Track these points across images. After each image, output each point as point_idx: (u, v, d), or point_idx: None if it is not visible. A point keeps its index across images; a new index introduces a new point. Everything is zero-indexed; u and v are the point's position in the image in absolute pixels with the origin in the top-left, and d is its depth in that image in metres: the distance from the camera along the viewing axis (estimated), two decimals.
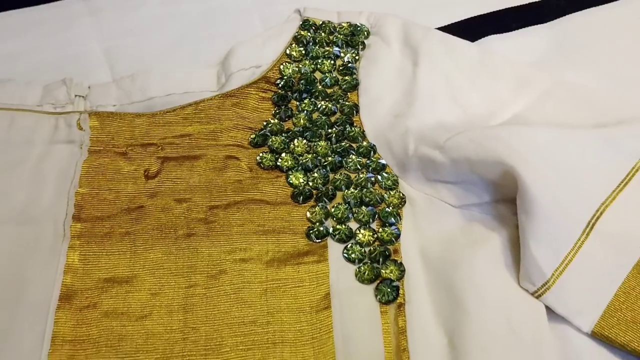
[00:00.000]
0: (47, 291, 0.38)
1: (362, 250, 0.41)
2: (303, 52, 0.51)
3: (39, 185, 0.42)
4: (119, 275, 0.39)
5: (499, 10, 0.57)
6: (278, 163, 0.45)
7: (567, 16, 0.56)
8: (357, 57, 0.51)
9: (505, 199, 0.43)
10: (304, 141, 0.46)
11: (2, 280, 0.38)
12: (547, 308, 0.39)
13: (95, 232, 0.41)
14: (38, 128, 0.45)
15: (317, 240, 0.42)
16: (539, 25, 0.56)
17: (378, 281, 0.40)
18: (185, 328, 0.38)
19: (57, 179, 0.43)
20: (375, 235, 0.42)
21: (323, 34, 0.51)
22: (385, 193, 0.44)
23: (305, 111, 0.48)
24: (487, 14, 0.57)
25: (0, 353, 0.36)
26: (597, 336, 0.39)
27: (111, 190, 0.43)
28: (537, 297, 0.39)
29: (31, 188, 0.42)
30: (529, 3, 0.58)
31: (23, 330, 0.37)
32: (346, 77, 0.49)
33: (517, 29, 0.56)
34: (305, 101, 0.48)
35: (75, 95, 0.47)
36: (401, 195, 0.44)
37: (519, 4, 0.58)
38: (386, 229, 0.42)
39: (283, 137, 0.46)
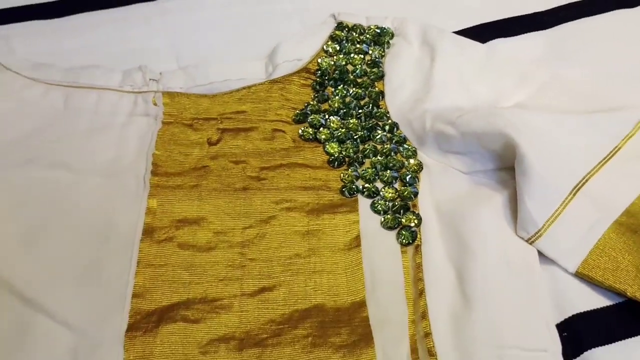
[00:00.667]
0: (132, 228, 0.47)
1: (386, 204, 0.50)
2: (337, 48, 0.60)
3: (123, 147, 0.52)
4: (189, 217, 0.48)
5: (505, 19, 0.66)
6: (317, 136, 0.54)
7: (562, 24, 0.66)
8: (382, 54, 0.60)
9: (505, 167, 0.52)
10: (338, 119, 0.55)
11: (96, 219, 0.48)
12: (539, 253, 0.48)
13: (170, 184, 0.50)
14: (120, 103, 0.55)
15: (349, 196, 0.51)
16: (538, 31, 0.65)
17: (399, 228, 0.49)
18: (243, 259, 0.47)
19: (137, 142, 0.52)
20: (397, 193, 0.51)
21: (354, 34, 0.61)
22: (406, 161, 0.53)
23: (339, 95, 0.57)
24: (494, 21, 0.66)
25: (96, 274, 0.45)
26: (580, 275, 0.47)
27: (181, 153, 0.52)
28: (530, 243, 0.48)
29: (116, 149, 0.52)
30: (532, 13, 0.67)
31: (114, 256, 0.46)
32: (373, 69, 0.59)
33: (520, 34, 0.65)
34: (339, 87, 0.58)
35: (150, 79, 0.56)
36: (419, 162, 0.53)
37: (522, 14, 0.67)
38: (406, 188, 0.51)
39: (321, 116, 0.56)
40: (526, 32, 0.65)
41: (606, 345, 0.44)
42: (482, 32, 0.65)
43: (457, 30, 0.64)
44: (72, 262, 0.45)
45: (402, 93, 0.57)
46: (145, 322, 0.43)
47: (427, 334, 0.43)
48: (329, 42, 0.61)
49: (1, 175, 0.49)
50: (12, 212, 0.47)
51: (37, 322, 0.42)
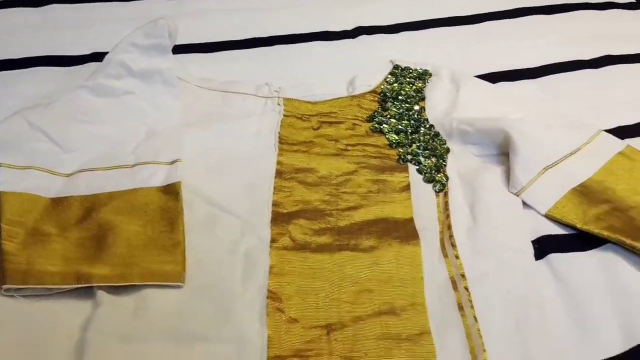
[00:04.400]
0: (270, 171, 0.76)
1: (426, 168, 0.79)
2: (394, 80, 0.91)
3: (260, 127, 0.82)
4: (303, 167, 0.78)
5: (507, 70, 0.98)
6: (381, 129, 0.85)
7: (546, 76, 0.97)
8: (424, 85, 0.91)
9: (503, 153, 0.81)
10: (395, 120, 0.86)
11: (249, 163, 0.77)
12: (523, 202, 0.76)
13: (290, 149, 0.80)
14: (256, 102, 0.86)
15: (402, 163, 0.80)
16: (530, 79, 0.97)
17: (434, 182, 0.78)
18: (337, 192, 0.75)
19: (268, 125, 0.83)
20: (433, 163, 0.80)
21: (405, 72, 0.93)
22: (439, 146, 0.82)
23: (395, 107, 0.88)
24: (500, 71, 0.97)
25: (252, 191, 0.74)
26: (548, 216, 0.75)
27: (296, 133, 0.82)
28: (517, 195, 0.76)
29: (257, 127, 0.82)
30: (526, 67, 0.99)
31: (261, 185, 0.74)
32: (418, 94, 0.90)
33: (517, 80, 0.97)
34: (395, 103, 0.88)
35: (274, 90, 0.88)
36: (447, 147, 0.82)
37: (521, 68, 0.99)
38: (439, 160, 0.80)
39: (383, 118, 0.86)
40: (521, 80, 0.96)
41: (561, 253, 0.71)
42: (491, 78, 0.96)
43: (475, 75, 0.95)
44: (238, 183, 0.74)
45: (437, 109, 0.88)
46: (281, 217, 0.71)
47: (451, 236, 0.71)
48: (389, 76, 0.92)
49: (191, 135, 0.79)
50: (201, 156, 0.77)
51: (220, 216, 0.71)
